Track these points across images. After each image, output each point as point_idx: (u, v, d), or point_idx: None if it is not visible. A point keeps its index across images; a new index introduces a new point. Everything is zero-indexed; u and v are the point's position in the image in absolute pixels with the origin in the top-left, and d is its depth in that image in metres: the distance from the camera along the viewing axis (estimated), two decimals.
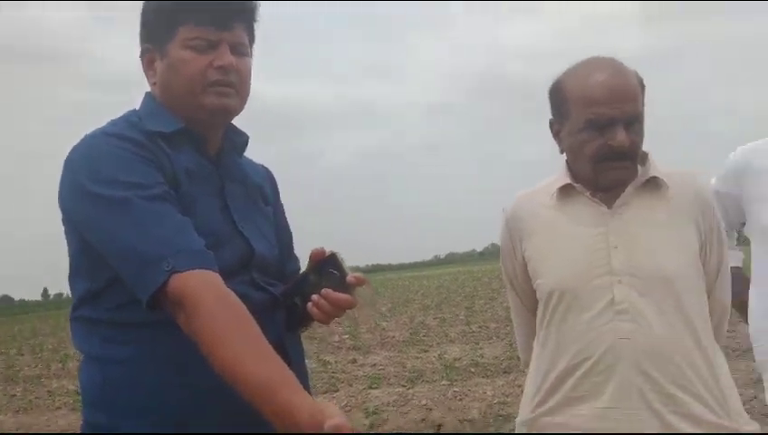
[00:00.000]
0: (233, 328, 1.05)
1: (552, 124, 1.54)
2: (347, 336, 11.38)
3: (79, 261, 1.23)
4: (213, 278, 1.10)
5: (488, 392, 6.28)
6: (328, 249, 1.28)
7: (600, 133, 1.42)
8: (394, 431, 5.52)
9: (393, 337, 11.15)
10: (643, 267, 1.43)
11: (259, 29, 1.33)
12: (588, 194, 1.50)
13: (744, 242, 1.98)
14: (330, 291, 1.24)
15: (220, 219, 1.26)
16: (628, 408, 1.39)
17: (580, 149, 1.46)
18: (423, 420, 5.67)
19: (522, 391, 5.72)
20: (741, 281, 1.90)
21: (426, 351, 9.33)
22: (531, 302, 1.63)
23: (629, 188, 1.48)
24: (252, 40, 1.33)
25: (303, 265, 1.36)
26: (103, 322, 1.21)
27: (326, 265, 1.26)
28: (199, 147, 1.29)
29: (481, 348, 8.98)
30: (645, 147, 1.49)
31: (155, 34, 1.28)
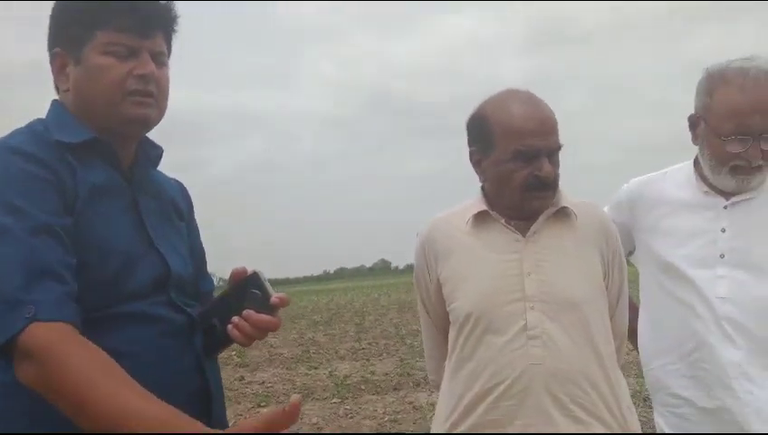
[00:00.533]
0: (103, 370, 0.97)
1: (472, 154, 1.58)
2: (234, 353, 11.05)
3: None
4: (72, 331, 1.01)
5: (379, 410, 6.30)
6: (250, 268, 1.23)
7: (527, 163, 1.47)
8: None
9: (282, 354, 10.96)
10: (554, 294, 1.48)
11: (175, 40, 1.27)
12: (503, 221, 1.55)
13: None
14: (252, 312, 1.18)
15: (133, 236, 1.18)
16: (538, 431, 1.43)
17: (507, 178, 1.50)
18: None
19: (413, 408, 5.76)
20: (633, 308, 2.00)
21: (315, 368, 9.24)
22: (442, 323, 1.64)
23: (542, 217, 1.54)
24: (170, 50, 1.27)
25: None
26: None
27: (247, 284, 1.20)
28: (111, 159, 1.21)
29: (372, 365, 9.01)
30: None
31: (68, 38, 1.19)
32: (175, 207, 1.34)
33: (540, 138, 1.47)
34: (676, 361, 1.70)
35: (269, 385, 8.04)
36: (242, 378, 8.73)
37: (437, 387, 1.72)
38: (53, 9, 1.22)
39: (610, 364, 1.53)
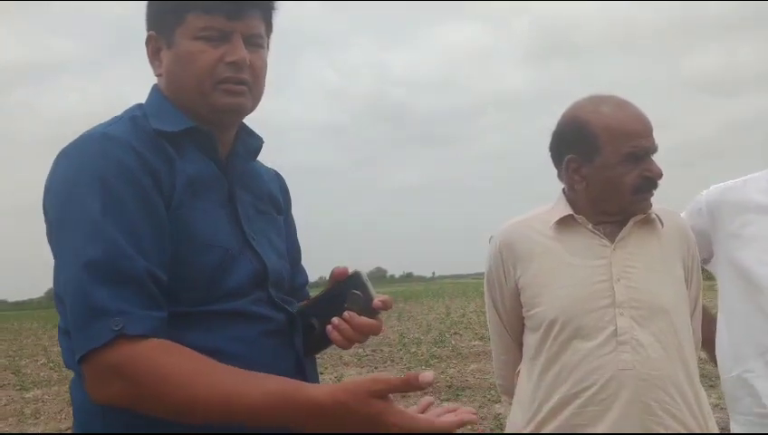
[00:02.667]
0: (201, 368, 0.97)
1: (569, 162, 1.55)
2: None
3: None
4: (158, 340, 0.98)
5: None
6: (351, 268, 1.18)
7: (636, 165, 1.49)
8: None
9: None
10: (644, 300, 1.48)
11: (277, 17, 1.19)
12: (590, 226, 1.54)
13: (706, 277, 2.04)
14: (354, 314, 1.13)
15: (229, 231, 1.13)
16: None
17: (617, 181, 1.50)
18: None
19: None
20: (708, 317, 2.00)
21: (321, 373, 9.14)
22: (514, 327, 1.64)
23: (630, 223, 1.54)
24: (270, 29, 1.19)
25: None
26: None
27: (349, 284, 1.16)
28: (209, 150, 1.15)
29: (378, 371, 8.99)
30: None
31: (161, 21, 1.14)
32: (272, 200, 1.28)
33: (646, 138, 1.49)
34: (758, 368, 1.69)
35: None
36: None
37: (506, 392, 1.72)
38: None
39: (694, 370, 1.53)
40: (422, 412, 0.98)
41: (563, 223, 1.56)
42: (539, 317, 1.54)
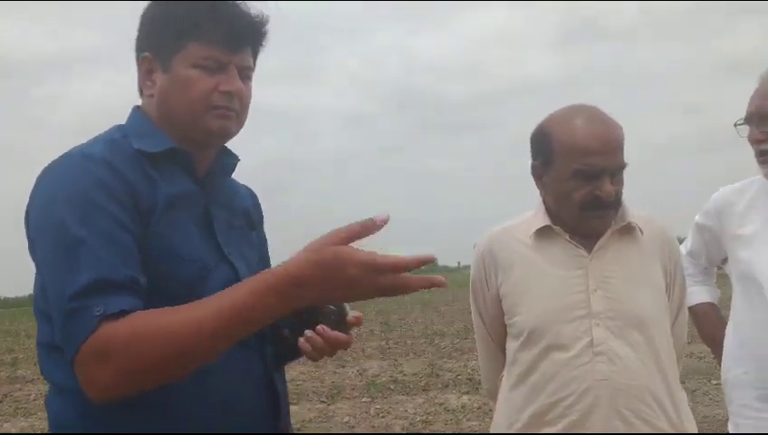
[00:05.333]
0: (176, 310, 0.99)
1: (534, 168, 1.57)
2: None
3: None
4: (140, 312, 1.01)
5: (409, 410, 6.31)
6: None
7: (587, 182, 1.46)
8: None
9: None
10: (620, 310, 1.49)
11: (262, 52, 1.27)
12: (567, 237, 1.54)
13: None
14: (326, 328, 1.16)
15: (206, 246, 1.18)
16: None
17: (566, 196, 1.49)
18: None
19: (444, 409, 5.72)
20: (714, 317, 1.98)
21: (343, 366, 9.27)
22: (499, 335, 1.66)
23: (608, 233, 1.53)
24: (255, 63, 1.26)
25: None
26: None
27: None
28: (188, 169, 1.21)
29: (400, 365, 9.03)
30: None
31: (159, 45, 1.18)
32: (246, 215, 1.34)
33: (601, 157, 1.45)
34: (753, 370, 1.69)
35: (298, 383, 8.07)
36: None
37: (492, 397, 1.74)
38: (147, 10, 1.21)
39: (672, 377, 1.54)
40: None
41: (542, 233, 1.57)
42: (518, 326, 1.55)
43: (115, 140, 1.17)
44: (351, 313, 1.19)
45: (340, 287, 0.95)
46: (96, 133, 1.21)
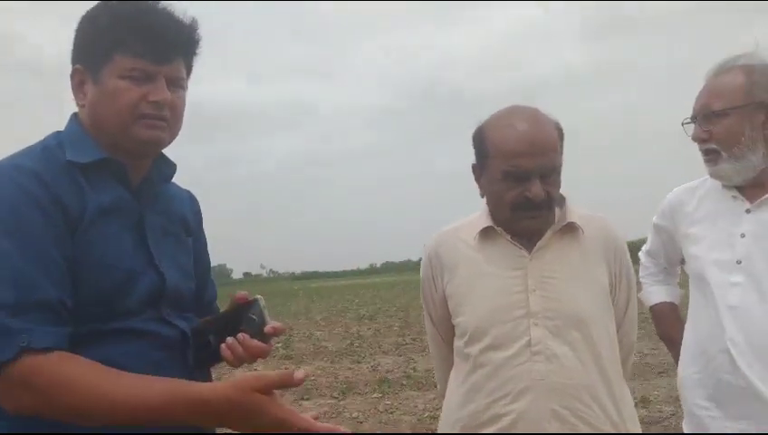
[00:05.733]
0: (100, 375, 1.06)
1: (474, 169, 1.59)
2: (279, 344, 11.26)
3: None
4: (65, 354, 1.06)
5: (419, 406, 6.34)
6: (252, 295, 1.27)
7: (518, 184, 1.47)
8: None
9: (327, 347, 11.11)
10: (558, 310, 1.50)
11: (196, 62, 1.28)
12: (508, 237, 1.56)
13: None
14: (246, 337, 1.22)
15: (134, 254, 1.21)
16: None
17: (498, 197, 1.51)
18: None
19: None
20: (672, 317, 2.00)
21: (358, 362, 9.34)
22: (448, 335, 1.68)
23: (548, 233, 1.55)
24: (189, 72, 1.28)
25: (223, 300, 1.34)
26: None
27: (247, 309, 1.25)
28: (121, 178, 1.23)
29: (414, 361, 9.05)
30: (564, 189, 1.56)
31: (89, 57, 1.21)
32: (183, 221, 1.36)
33: (529, 159, 1.45)
34: (702, 369, 1.71)
35: (312, 378, 8.15)
36: (286, 370, 8.82)
37: (443, 395, 1.76)
38: (79, 24, 1.23)
39: (615, 378, 1.54)
40: None
41: (485, 234, 1.59)
42: (462, 326, 1.58)
43: (49, 147, 1.20)
44: (271, 323, 1.24)
45: (250, 426, 1.08)
46: None
